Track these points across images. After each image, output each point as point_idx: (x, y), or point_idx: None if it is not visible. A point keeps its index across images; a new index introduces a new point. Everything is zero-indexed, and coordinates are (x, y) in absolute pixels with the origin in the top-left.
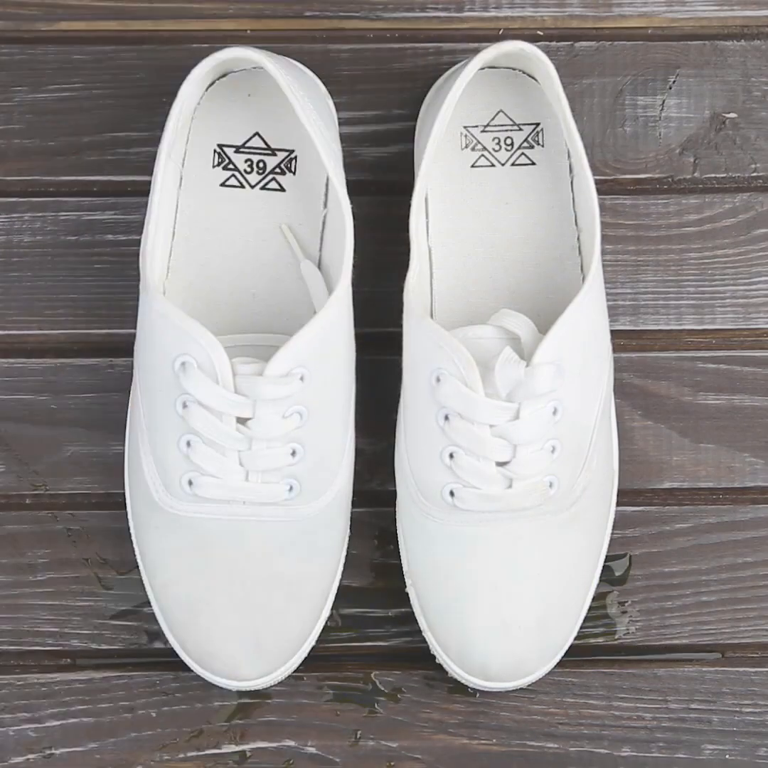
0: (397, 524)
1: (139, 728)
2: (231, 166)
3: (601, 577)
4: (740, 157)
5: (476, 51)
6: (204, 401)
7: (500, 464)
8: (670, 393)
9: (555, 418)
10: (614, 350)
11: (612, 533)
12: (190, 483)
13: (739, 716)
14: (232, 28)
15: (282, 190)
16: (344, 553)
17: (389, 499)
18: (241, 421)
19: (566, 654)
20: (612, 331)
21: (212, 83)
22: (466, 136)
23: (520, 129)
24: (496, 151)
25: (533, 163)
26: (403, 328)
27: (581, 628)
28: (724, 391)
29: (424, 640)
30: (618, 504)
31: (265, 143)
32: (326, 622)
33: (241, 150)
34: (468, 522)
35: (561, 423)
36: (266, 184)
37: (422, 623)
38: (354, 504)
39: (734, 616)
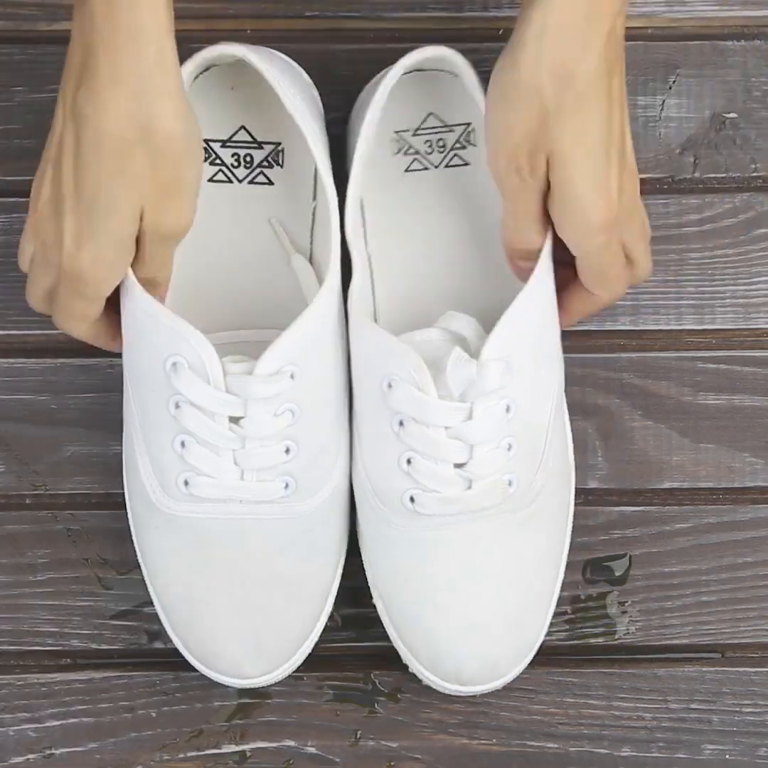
0: (358, 534)
1: (139, 728)
2: (218, 161)
3: (600, 577)
4: (740, 157)
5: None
6: (196, 401)
7: (458, 466)
8: (670, 393)
9: (508, 416)
10: (614, 350)
11: (612, 533)
12: (186, 483)
13: (739, 716)
14: (232, 28)
15: (270, 183)
16: (345, 550)
17: None
18: (234, 420)
19: (566, 653)
20: (612, 331)
21: (195, 78)
22: (397, 140)
23: (452, 130)
24: (428, 153)
25: (467, 164)
26: (349, 337)
27: (580, 627)
28: (724, 391)
29: None
30: (618, 504)
31: (251, 136)
32: (326, 623)
33: (228, 144)
34: (428, 526)
35: (514, 421)
36: (254, 177)
37: (391, 633)
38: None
39: (734, 616)
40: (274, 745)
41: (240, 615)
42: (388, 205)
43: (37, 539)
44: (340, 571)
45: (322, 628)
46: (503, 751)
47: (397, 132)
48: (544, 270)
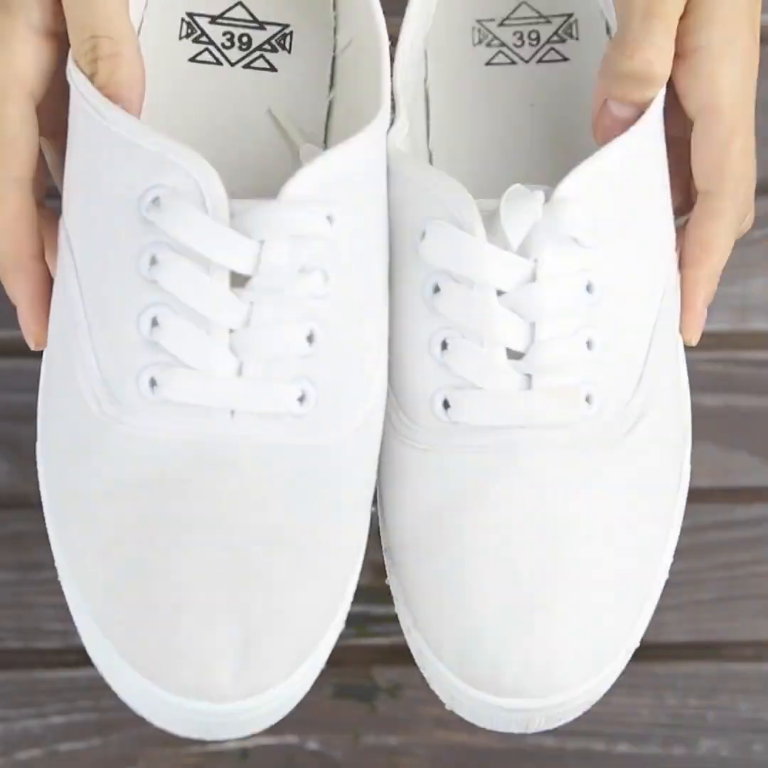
0: (377, 474)
1: (143, 724)
2: (204, 38)
3: None
4: None
5: None
6: (186, 242)
7: (514, 356)
8: None
9: (590, 298)
10: None
11: None
12: (153, 383)
13: (734, 713)
14: None
15: (272, 69)
16: (370, 511)
17: None
18: (239, 281)
19: None
20: None
21: None
22: (479, 30)
23: (549, 21)
24: (517, 47)
25: (565, 59)
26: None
27: None
28: (720, 391)
29: None
30: None
31: (251, 15)
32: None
33: (219, 21)
34: (469, 447)
35: (600, 308)
36: (252, 61)
37: (404, 617)
38: None
39: (730, 614)
40: (276, 741)
41: (221, 592)
42: (461, 99)
43: (42, 537)
44: (364, 538)
45: (345, 618)
46: (502, 747)
47: (479, 21)
48: (655, 117)
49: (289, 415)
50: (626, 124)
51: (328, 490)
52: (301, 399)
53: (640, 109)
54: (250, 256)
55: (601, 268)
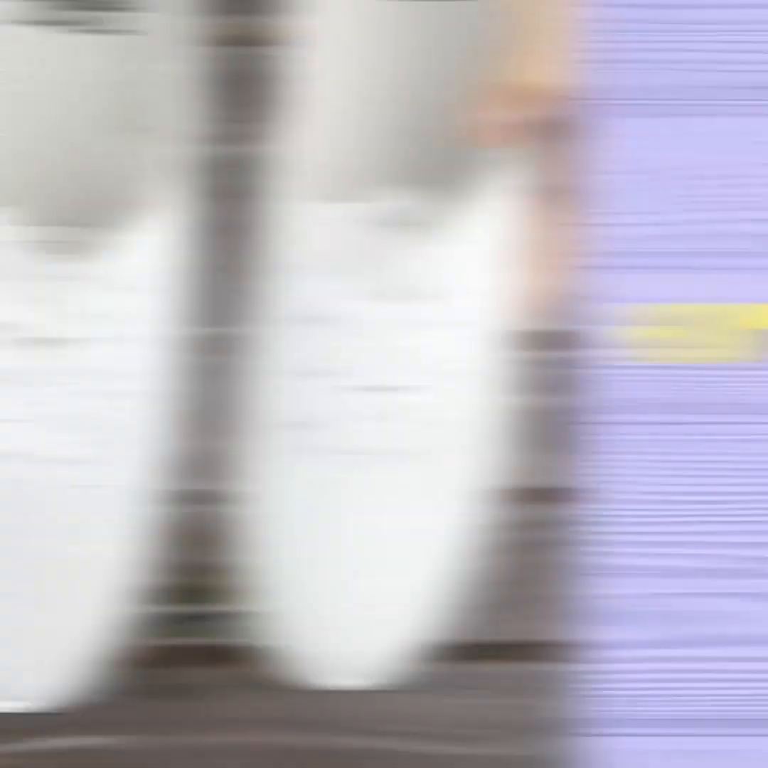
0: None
1: None
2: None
3: None
4: None
5: None
6: None
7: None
8: None
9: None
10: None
11: None
12: None
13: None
14: None
15: (113, 32)
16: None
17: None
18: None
19: None
20: None
21: None
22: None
23: None
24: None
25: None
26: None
27: None
28: None
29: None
30: None
31: None
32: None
33: None
34: (314, 467)
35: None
36: (88, 23)
37: None
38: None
39: None
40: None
41: (9, 604)
42: (346, 38)
43: None
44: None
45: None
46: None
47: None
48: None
49: (77, 460)
50: (507, 132)
51: (97, 530)
52: (88, 445)
53: (524, 120)
54: (42, 325)
55: None
